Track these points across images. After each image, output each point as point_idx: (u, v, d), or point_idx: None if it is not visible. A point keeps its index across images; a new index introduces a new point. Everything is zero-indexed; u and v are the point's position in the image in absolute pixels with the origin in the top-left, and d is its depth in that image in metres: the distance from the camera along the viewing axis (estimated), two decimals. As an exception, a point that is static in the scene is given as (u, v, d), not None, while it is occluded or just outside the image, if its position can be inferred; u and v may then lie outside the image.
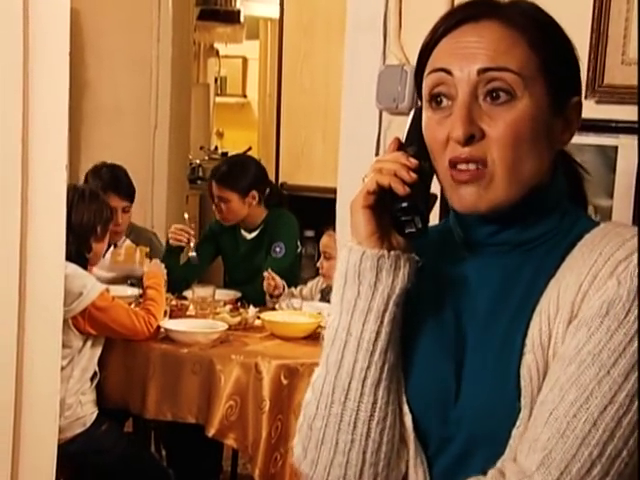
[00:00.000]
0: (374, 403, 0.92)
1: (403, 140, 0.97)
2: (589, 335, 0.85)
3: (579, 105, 0.96)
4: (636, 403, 0.83)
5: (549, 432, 0.84)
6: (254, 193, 3.24)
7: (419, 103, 0.99)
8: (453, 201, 0.93)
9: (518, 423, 0.88)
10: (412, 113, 0.98)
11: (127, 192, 3.17)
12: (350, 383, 0.93)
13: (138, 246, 3.19)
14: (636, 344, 0.83)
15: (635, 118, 1.50)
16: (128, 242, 3.21)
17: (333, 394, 0.94)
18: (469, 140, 0.89)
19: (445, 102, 0.92)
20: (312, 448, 0.96)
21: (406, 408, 0.95)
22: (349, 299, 0.93)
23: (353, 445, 0.93)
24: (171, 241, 3.20)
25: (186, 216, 3.35)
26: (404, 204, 0.91)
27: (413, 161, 0.92)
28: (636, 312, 0.84)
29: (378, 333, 0.92)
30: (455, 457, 0.93)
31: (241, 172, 3.25)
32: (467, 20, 0.92)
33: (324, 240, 3.06)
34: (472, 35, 0.91)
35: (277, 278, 3.06)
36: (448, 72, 0.91)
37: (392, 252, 0.92)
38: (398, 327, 0.94)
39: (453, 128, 0.89)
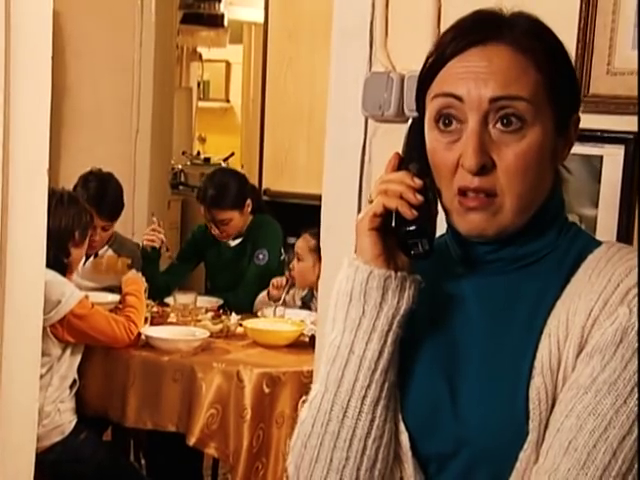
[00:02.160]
0: (372, 421, 0.92)
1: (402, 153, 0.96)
2: (604, 364, 0.85)
3: (578, 121, 0.97)
4: None
5: (569, 463, 0.84)
6: (249, 202, 3.28)
7: (409, 113, 0.97)
8: (459, 225, 0.92)
9: (525, 446, 0.87)
10: (409, 125, 0.97)
11: (109, 211, 3.07)
12: (349, 401, 0.92)
13: (120, 257, 3.13)
14: None
15: (620, 128, 1.51)
16: (110, 252, 3.16)
17: (331, 412, 0.93)
18: (481, 170, 0.89)
19: (454, 125, 0.91)
20: (305, 467, 0.95)
21: (402, 426, 0.94)
22: (353, 318, 0.93)
23: (348, 462, 0.93)
24: (145, 242, 3.18)
25: (154, 219, 3.30)
26: (412, 227, 0.90)
27: (418, 181, 0.92)
28: None
29: (381, 352, 0.92)
30: (457, 476, 0.92)
31: (230, 189, 3.26)
32: (475, 44, 0.91)
33: (299, 243, 3.13)
34: (481, 60, 0.90)
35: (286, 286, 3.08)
36: (458, 98, 0.90)
37: (399, 273, 0.92)
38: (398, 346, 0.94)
39: (465, 157, 0.89)
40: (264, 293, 3.15)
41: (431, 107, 0.93)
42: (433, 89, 0.93)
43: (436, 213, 0.95)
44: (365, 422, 0.92)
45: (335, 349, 0.94)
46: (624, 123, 1.49)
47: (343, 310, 0.94)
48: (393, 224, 0.91)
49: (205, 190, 3.28)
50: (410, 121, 0.98)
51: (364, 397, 0.92)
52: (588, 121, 1.52)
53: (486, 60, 0.90)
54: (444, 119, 0.91)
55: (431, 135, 0.93)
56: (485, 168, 0.89)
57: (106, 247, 3.16)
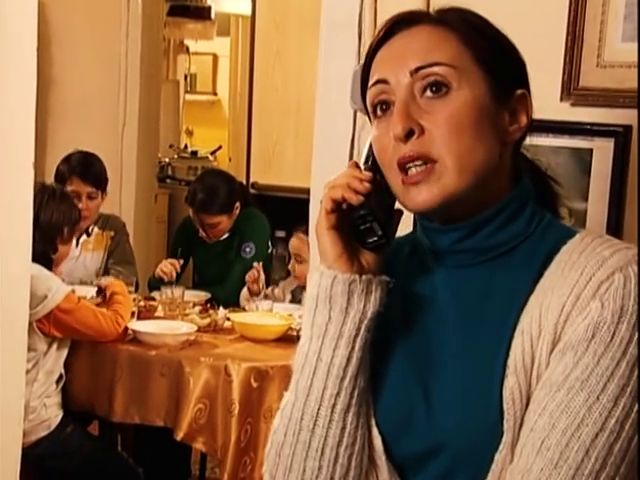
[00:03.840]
0: (343, 429, 0.91)
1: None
2: (576, 360, 0.83)
3: (524, 98, 0.95)
4: (626, 428, 0.82)
5: (542, 462, 0.82)
6: (237, 205, 3.28)
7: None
8: (406, 203, 0.91)
9: (501, 447, 0.86)
10: (369, 140, 0.97)
11: (93, 178, 3.10)
12: (319, 410, 0.91)
13: (104, 232, 3.20)
14: (623, 368, 0.82)
15: (610, 121, 1.50)
16: (97, 230, 3.21)
17: (301, 421, 0.92)
18: (409, 136, 0.88)
19: (390, 110, 0.92)
20: (280, 476, 0.94)
21: (375, 431, 0.93)
22: (320, 324, 0.92)
23: (320, 472, 0.91)
24: (158, 272, 3.17)
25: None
26: (361, 212, 0.90)
27: (366, 173, 0.92)
28: (621, 335, 0.83)
29: (349, 359, 0.90)
30: (434, 478, 0.90)
31: (220, 193, 3.24)
32: (400, 29, 0.93)
33: (294, 243, 3.06)
34: (403, 39, 0.93)
35: (262, 274, 3.04)
36: (385, 82, 0.92)
37: (364, 276, 0.91)
38: (368, 350, 0.92)
39: (392, 127, 0.89)
40: (245, 288, 3.13)
41: (368, 101, 0.94)
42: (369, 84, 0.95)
43: (398, 213, 0.95)
44: (336, 430, 0.90)
45: (304, 356, 0.93)
46: (614, 116, 1.49)
47: (310, 316, 0.92)
48: (349, 221, 0.91)
49: (194, 194, 3.26)
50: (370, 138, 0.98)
51: (334, 405, 0.90)
52: (577, 114, 1.52)
53: (408, 38, 0.92)
54: (380, 107, 0.92)
55: (373, 128, 0.94)
56: (413, 133, 0.88)
57: (92, 225, 3.18)
